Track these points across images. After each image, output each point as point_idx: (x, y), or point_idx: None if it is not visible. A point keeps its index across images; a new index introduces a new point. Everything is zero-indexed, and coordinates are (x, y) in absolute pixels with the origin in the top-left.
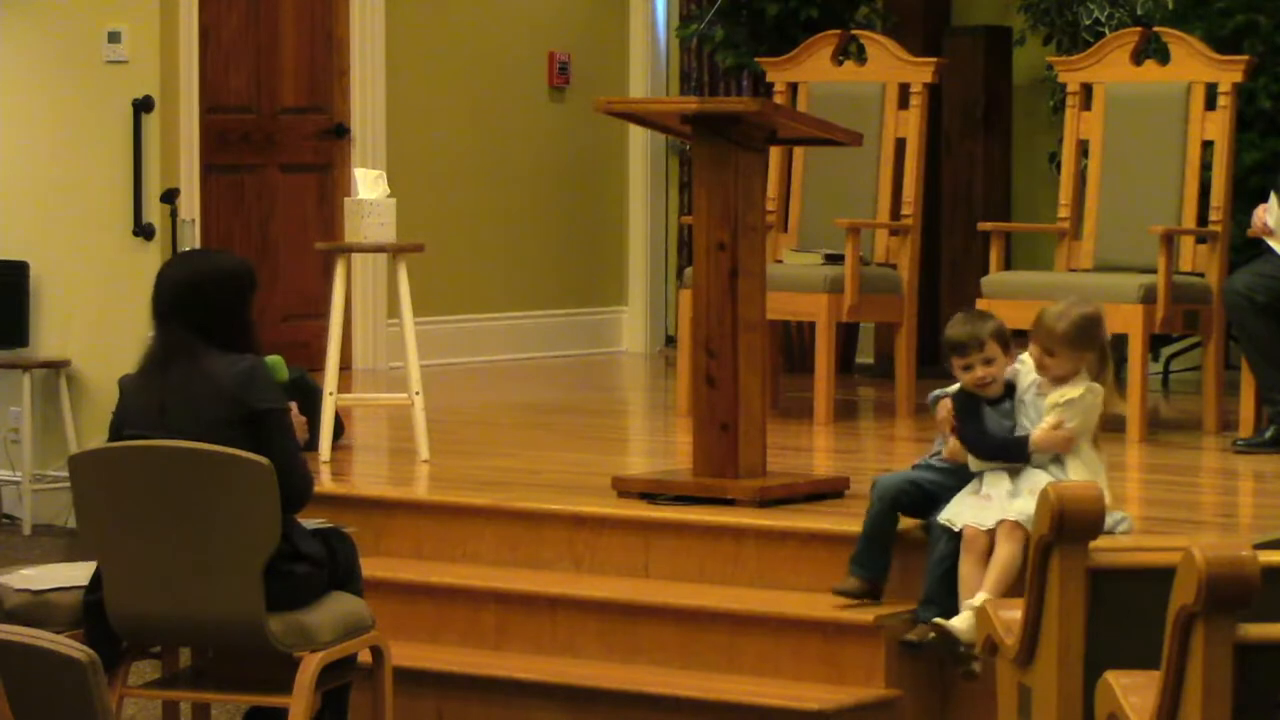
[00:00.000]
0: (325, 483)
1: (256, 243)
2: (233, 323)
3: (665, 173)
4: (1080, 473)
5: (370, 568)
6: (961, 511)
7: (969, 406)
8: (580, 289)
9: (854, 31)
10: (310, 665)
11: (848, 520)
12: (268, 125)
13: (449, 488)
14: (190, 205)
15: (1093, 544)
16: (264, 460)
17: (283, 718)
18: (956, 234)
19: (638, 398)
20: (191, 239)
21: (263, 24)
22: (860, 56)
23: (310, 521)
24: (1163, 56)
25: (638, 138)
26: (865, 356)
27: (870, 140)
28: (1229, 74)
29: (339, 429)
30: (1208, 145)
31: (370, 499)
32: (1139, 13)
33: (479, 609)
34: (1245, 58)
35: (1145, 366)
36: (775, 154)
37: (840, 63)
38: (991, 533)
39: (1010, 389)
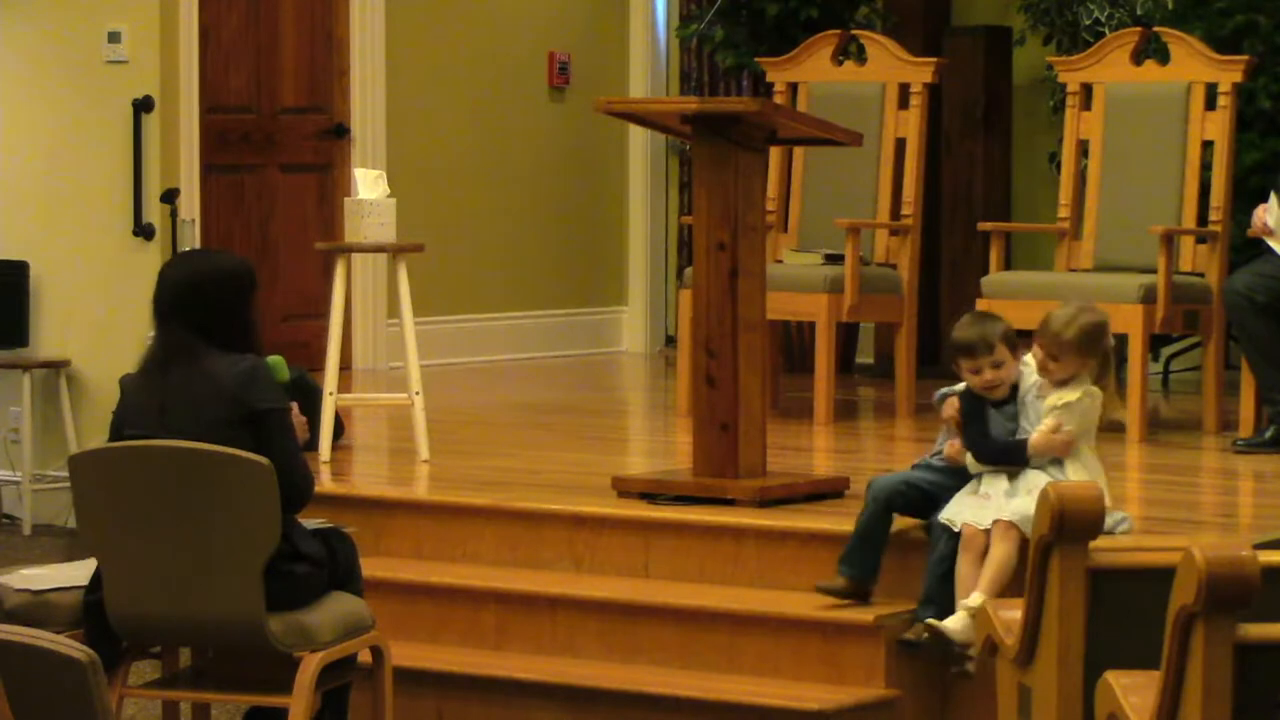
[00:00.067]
0: (325, 483)
1: (256, 243)
2: (233, 323)
3: (665, 173)
4: (1079, 474)
5: (370, 568)
6: (961, 510)
7: (974, 408)
8: (580, 289)
9: (854, 31)
10: (310, 665)
11: (848, 520)
12: (268, 125)
13: (449, 488)
14: (190, 205)
15: (1093, 544)
16: (264, 460)
17: (283, 718)
18: (956, 234)
19: (638, 398)
20: (191, 239)
21: (263, 24)
22: (860, 56)
23: (310, 521)
24: (1163, 56)
25: (638, 138)
26: (865, 356)
27: (870, 140)
28: (1229, 74)
29: (339, 429)
30: (1208, 145)
31: (370, 499)
32: (1139, 13)
33: (479, 609)
34: (1245, 58)
35: (1145, 366)
36: (775, 154)
37: (840, 63)
38: (989, 532)
39: (1014, 390)
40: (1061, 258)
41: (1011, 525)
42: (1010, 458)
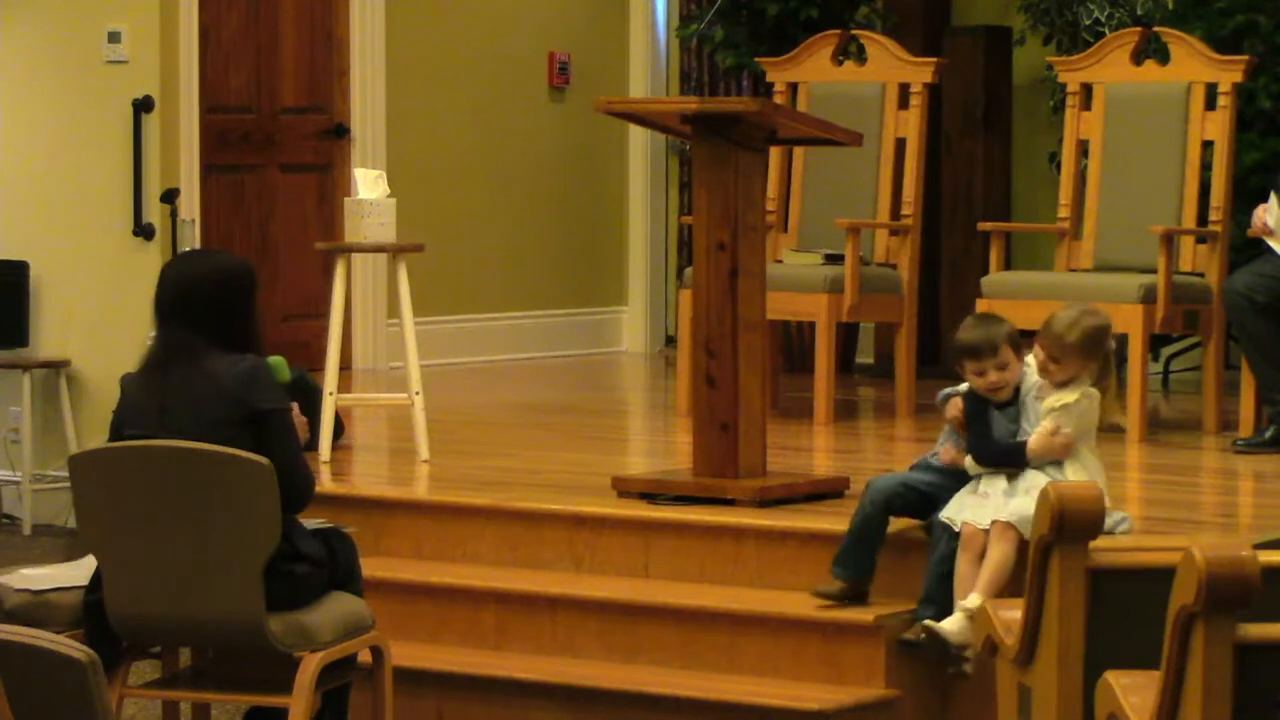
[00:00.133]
0: (325, 483)
1: (256, 243)
2: (234, 323)
3: (665, 173)
4: (1079, 475)
5: (370, 568)
6: (961, 510)
7: (977, 410)
8: (580, 289)
9: (854, 31)
10: (310, 665)
11: (847, 520)
12: (268, 125)
13: (449, 488)
14: (190, 205)
15: (1093, 544)
16: (264, 460)
17: (283, 718)
18: (956, 234)
19: (638, 398)
20: (191, 239)
21: (263, 24)
22: (860, 56)
23: (310, 521)
24: (1163, 56)
25: (638, 138)
26: (865, 356)
27: (870, 140)
28: (1229, 74)
29: (339, 429)
30: (1208, 145)
31: (370, 499)
32: (1139, 13)
33: (479, 609)
34: (1245, 58)
35: (1145, 366)
36: (775, 154)
37: (840, 63)
38: (988, 532)
39: (1017, 391)
40: (1061, 258)
41: (1009, 526)
42: (1010, 461)
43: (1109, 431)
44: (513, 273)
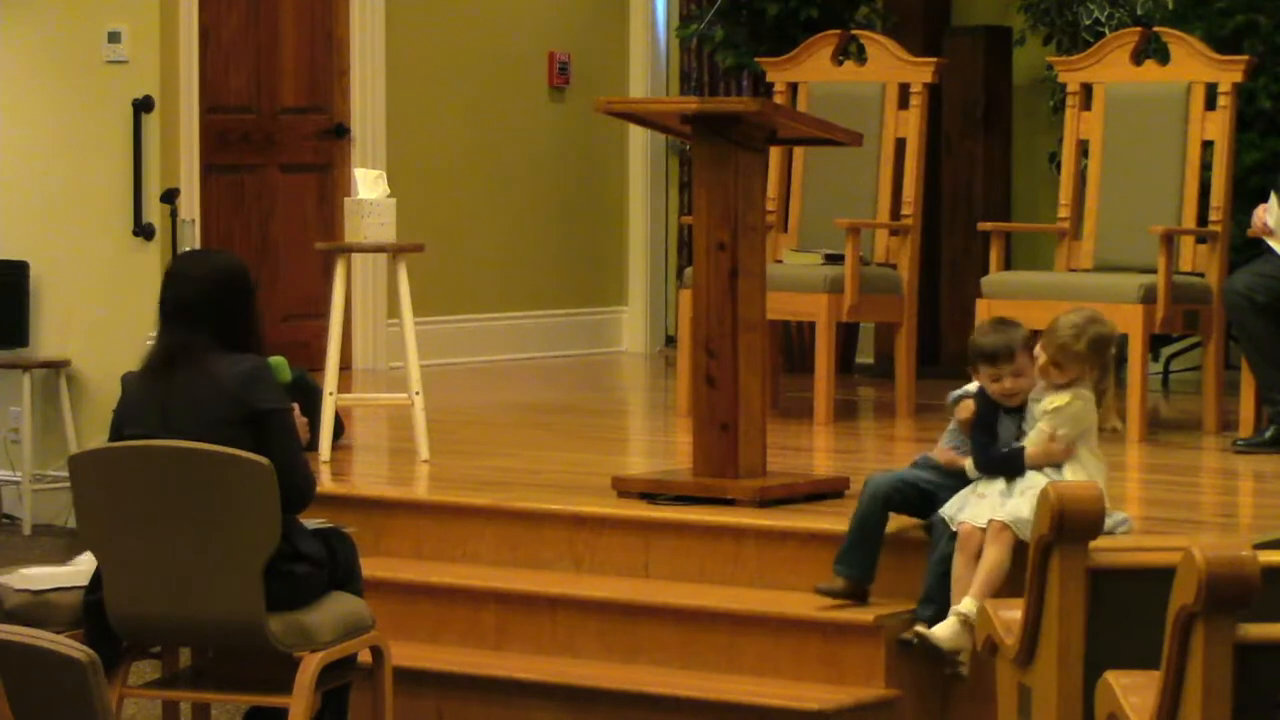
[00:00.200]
0: (325, 483)
1: (256, 243)
2: (236, 323)
3: (665, 173)
4: (1077, 476)
5: (370, 568)
6: (960, 508)
7: (986, 416)
8: (580, 289)
9: (854, 31)
10: (310, 665)
11: (847, 520)
12: (268, 125)
13: (449, 488)
14: (190, 205)
15: (1093, 544)
16: (264, 460)
17: (283, 718)
18: (956, 234)
19: (638, 398)
20: (191, 239)
21: (263, 24)
22: (860, 56)
23: (310, 521)
24: (1163, 56)
25: (638, 138)
26: (865, 356)
27: (870, 140)
28: (1229, 74)
29: (339, 429)
30: (1208, 145)
31: (370, 499)
32: (1139, 13)
33: (479, 609)
34: (1245, 58)
35: (1145, 366)
36: (775, 154)
37: (840, 63)
38: (985, 531)
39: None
40: (1061, 258)
41: (1005, 527)
42: (1010, 469)
43: (1108, 431)
44: (512, 273)
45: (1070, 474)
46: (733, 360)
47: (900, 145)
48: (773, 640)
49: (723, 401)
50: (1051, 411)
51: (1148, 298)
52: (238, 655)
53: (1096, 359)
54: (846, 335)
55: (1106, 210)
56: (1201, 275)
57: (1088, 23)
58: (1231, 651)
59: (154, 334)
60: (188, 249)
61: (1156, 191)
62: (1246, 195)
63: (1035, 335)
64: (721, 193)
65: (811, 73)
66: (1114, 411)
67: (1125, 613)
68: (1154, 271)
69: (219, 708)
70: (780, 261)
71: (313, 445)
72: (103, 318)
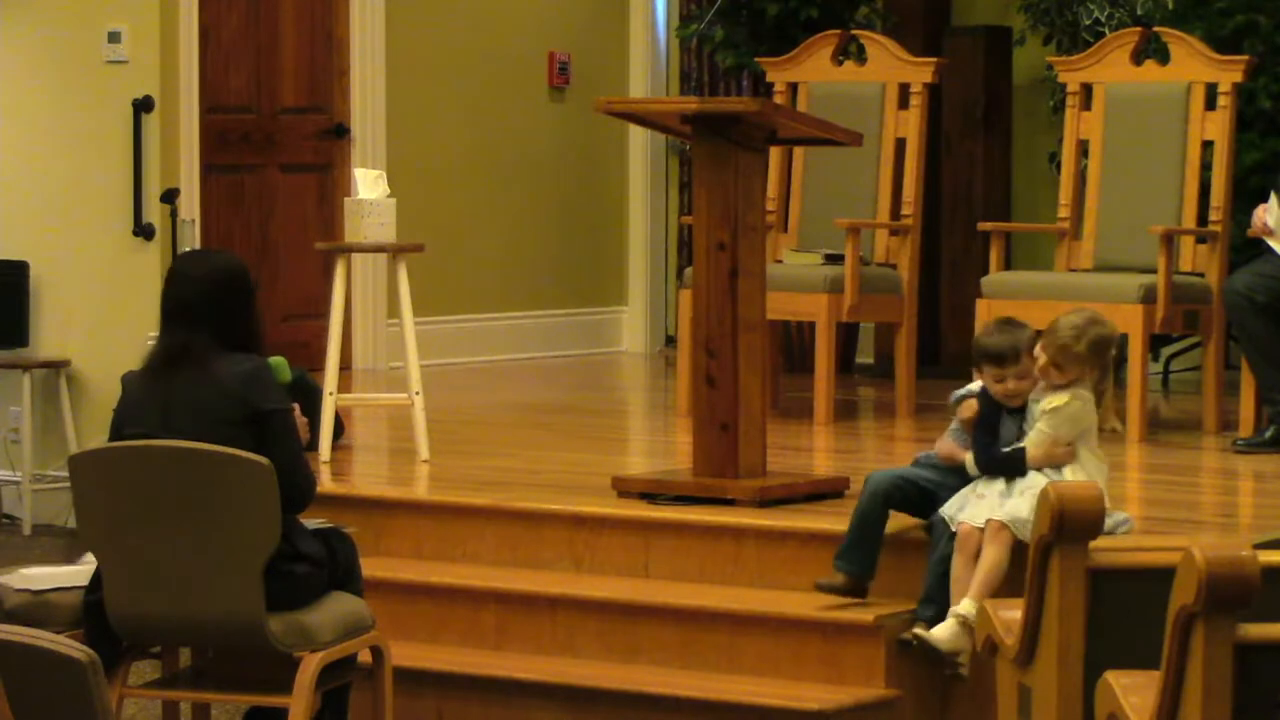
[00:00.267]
0: (325, 483)
1: (256, 243)
2: (236, 323)
3: (665, 173)
4: (1077, 476)
5: (370, 568)
6: (959, 508)
7: (989, 416)
8: (580, 289)
9: (854, 31)
10: (310, 665)
11: (847, 520)
12: (268, 125)
13: (449, 488)
14: (190, 205)
15: (1093, 544)
16: (264, 460)
17: (283, 718)
18: (956, 234)
19: (638, 398)
20: (191, 239)
21: (263, 24)
22: (860, 56)
23: (310, 521)
24: (1163, 56)
25: (638, 138)
26: (865, 356)
27: (870, 140)
28: (1229, 74)
29: (339, 429)
30: (1208, 145)
31: (370, 499)
32: (1139, 13)
33: (479, 609)
34: (1245, 58)
35: (1145, 366)
36: (775, 154)
37: (840, 63)
38: (984, 531)
39: None
40: (1061, 258)
41: (1003, 527)
42: (1010, 470)
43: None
44: (512, 273)
45: (1070, 474)
46: (733, 360)
47: (900, 145)
48: (773, 640)
49: (723, 401)
50: (1049, 411)
51: (1148, 298)
52: (238, 655)
53: (1096, 360)
54: (846, 335)
55: (1106, 210)
56: (1201, 275)
57: (1088, 23)
58: (1231, 651)
59: (154, 334)
60: (188, 249)
61: (1156, 191)
62: (1246, 195)
63: (1039, 336)
64: (721, 193)
65: (811, 73)
66: (1113, 412)
67: (1125, 613)
68: (1154, 271)
69: (219, 708)
70: (780, 261)
71: (313, 445)
72: (103, 318)
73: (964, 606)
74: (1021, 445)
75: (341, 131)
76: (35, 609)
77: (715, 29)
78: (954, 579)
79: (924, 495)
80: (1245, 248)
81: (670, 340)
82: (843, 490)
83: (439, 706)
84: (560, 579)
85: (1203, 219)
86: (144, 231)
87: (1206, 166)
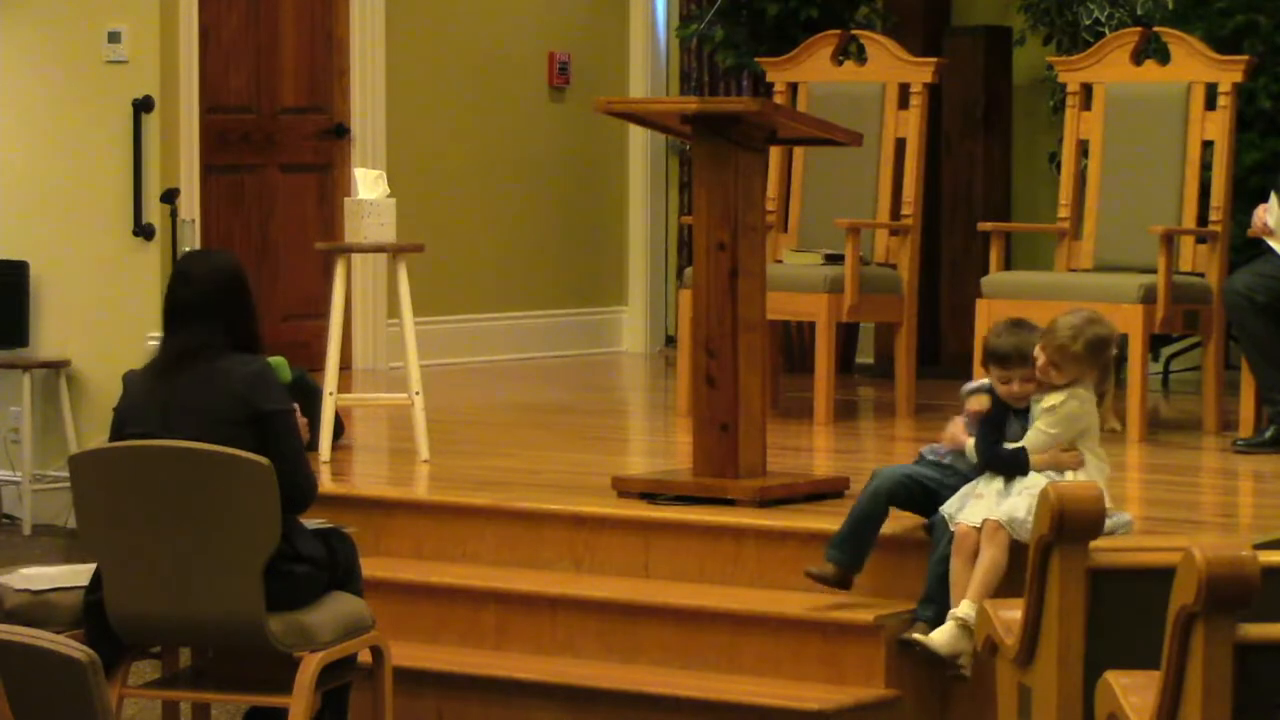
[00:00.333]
0: (325, 483)
1: (256, 243)
2: (238, 323)
3: (665, 173)
4: (1079, 476)
5: (370, 568)
6: (959, 508)
7: (995, 415)
8: (580, 289)
9: (854, 31)
10: (310, 665)
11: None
12: (268, 125)
13: (449, 488)
14: (190, 205)
15: (1093, 544)
16: (264, 460)
17: (283, 718)
18: (956, 234)
19: (638, 398)
20: (191, 239)
21: (263, 24)
22: (860, 56)
23: (310, 521)
24: (1163, 56)
25: (638, 138)
26: (865, 356)
27: (870, 140)
28: (1229, 74)
29: (339, 429)
30: (1208, 145)
31: (370, 499)
32: (1139, 13)
33: (479, 609)
34: (1245, 58)
35: (1145, 366)
36: (775, 154)
37: (840, 63)
38: (980, 531)
39: None
40: (1061, 258)
41: (999, 527)
42: (1013, 470)
43: (1108, 432)
44: (512, 273)
45: (1071, 474)
46: (733, 360)
47: (900, 145)
48: (773, 640)
49: (723, 401)
50: (1046, 410)
51: (1148, 298)
52: (238, 655)
53: (1095, 360)
54: (846, 335)
55: (1106, 210)
56: (1201, 275)
57: (1088, 23)
58: (1231, 651)
59: (155, 334)
60: (188, 249)
61: (1156, 191)
62: (1246, 195)
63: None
64: (721, 193)
65: (811, 73)
66: (1113, 412)
67: (1125, 613)
68: (1154, 271)
69: (219, 708)
70: (780, 261)
71: (313, 445)
72: (103, 318)
73: (962, 609)
74: (1021, 444)
75: (341, 131)
76: (35, 609)
77: (715, 29)
78: (953, 580)
79: (928, 494)
80: (1245, 248)
81: (670, 340)
82: (842, 490)
83: (439, 706)
84: (560, 579)
85: (1203, 219)
86: (144, 231)
87: (1206, 166)
